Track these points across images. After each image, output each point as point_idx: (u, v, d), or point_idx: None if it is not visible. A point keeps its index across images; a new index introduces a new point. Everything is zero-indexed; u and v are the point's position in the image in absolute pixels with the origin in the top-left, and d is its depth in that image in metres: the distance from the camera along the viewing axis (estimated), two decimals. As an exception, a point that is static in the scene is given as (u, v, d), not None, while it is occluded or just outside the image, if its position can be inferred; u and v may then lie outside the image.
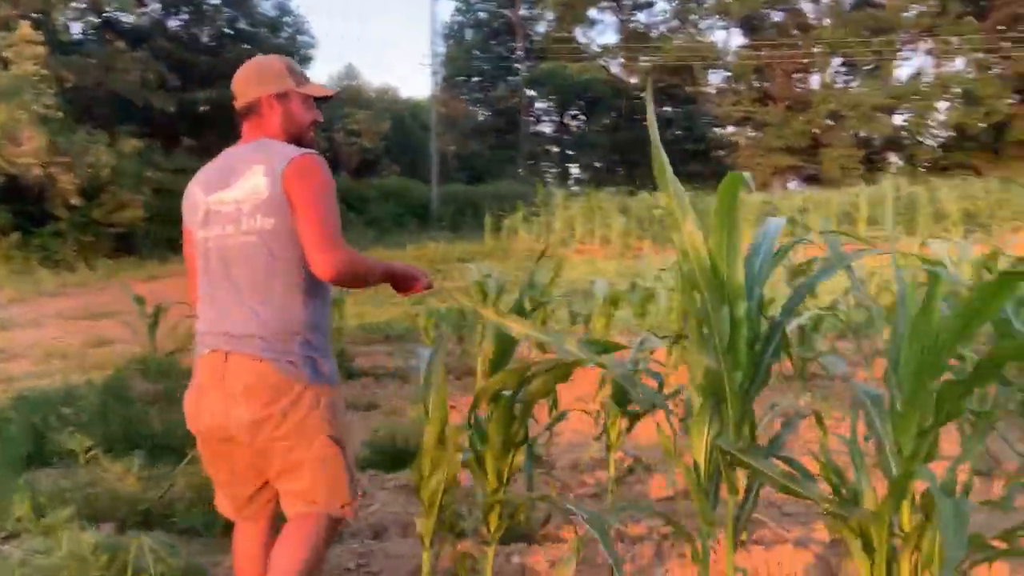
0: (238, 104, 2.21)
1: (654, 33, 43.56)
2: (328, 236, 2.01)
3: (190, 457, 3.60)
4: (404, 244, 19.91)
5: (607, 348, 2.23)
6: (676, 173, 1.86)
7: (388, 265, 2.25)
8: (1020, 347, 1.59)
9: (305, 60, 27.62)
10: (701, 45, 41.16)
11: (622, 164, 41.29)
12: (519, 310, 2.68)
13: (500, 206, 23.84)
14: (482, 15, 44.13)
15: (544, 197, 23.59)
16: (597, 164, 42.55)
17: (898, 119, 38.60)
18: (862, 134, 37.91)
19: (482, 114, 44.93)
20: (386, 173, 32.83)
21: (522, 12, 43.04)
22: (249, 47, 25.78)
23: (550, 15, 44.00)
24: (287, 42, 27.72)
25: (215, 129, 24.55)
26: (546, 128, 45.73)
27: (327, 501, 2.05)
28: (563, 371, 1.95)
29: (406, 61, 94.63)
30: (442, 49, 39.60)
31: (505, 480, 2.09)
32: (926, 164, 37.36)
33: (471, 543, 2.53)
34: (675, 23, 43.46)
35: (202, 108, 24.06)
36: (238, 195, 2.09)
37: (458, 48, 43.28)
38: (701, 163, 37.44)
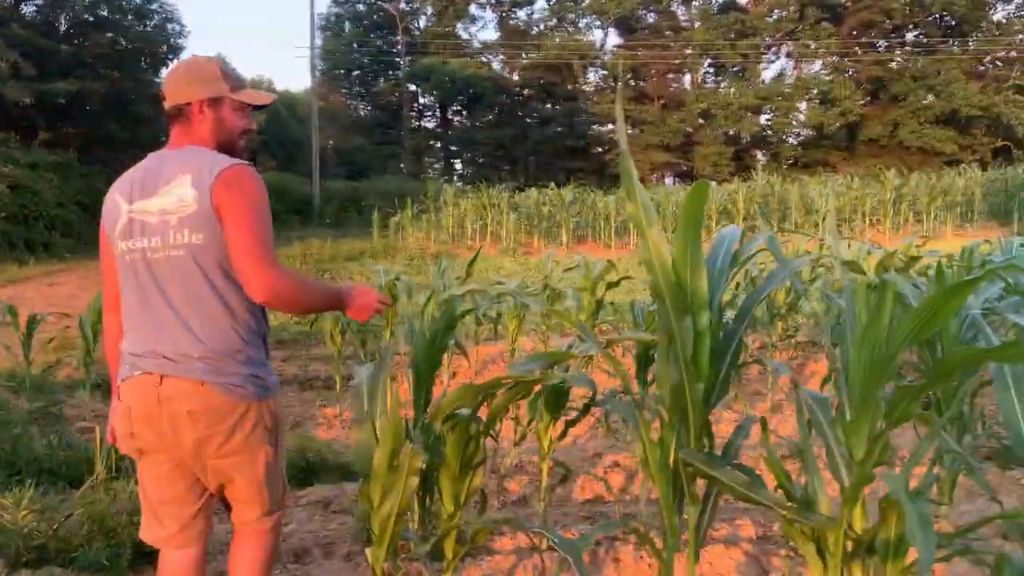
0: (166, 105, 2.07)
1: (534, 31, 44.02)
2: (260, 254, 1.90)
3: (88, 484, 3.31)
4: (291, 240, 19.16)
5: (556, 359, 2.18)
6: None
7: (334, 291, 2.14)
8: (971, 354, 1.65)
9: (175, 50, 26.15)
10: (579, 44, 41.93)
11: (505, 160, 41.53)
12: (451, 316, 2.60)
13: (385, 202, 23.44)
14: (361, 7, 43.27)
15: (433, 194, 23.35)
16: (480, 160, 42.60)
17: (763, 118, 40.69)
18: (731, 132, 39.68)
19: (363, 108, 44.14)
20: (262, 168, 31.72)
21: (402, 6, 42.49)
22: (112, 35, 24.18)
23: (430, 9, 43.69)
24: (154, 31, 26.03)
25: (76, 121, 23.03)
26: (429, 123, 45.47)
27: (272, 501, 2.12)
28: (524, 388, 1.88)
29: (281, 53, 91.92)
30: (319, 41, 38.56)
31: (462, 503, 2.00)
32: (789, 161, 39.63)
33: (415, 564, 2.43)
34: (553, 21, 44.05)
35: (61, 100, 22.34)
36: (164, 205, 1.95)
37: (336, 41, 42.26)
38: (582, 160, 38.06)
